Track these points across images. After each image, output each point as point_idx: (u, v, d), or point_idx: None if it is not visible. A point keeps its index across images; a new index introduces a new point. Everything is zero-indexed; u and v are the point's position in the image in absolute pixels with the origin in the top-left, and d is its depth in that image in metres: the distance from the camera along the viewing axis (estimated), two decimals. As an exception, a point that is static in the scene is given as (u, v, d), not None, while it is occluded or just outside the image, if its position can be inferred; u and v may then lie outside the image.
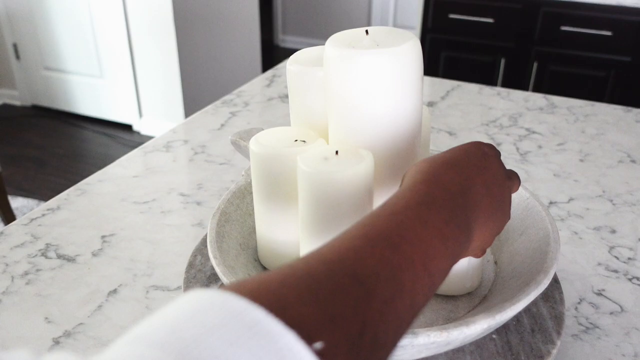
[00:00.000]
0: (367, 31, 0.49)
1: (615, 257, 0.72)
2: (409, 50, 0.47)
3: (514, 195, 0.64)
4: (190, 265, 0.63)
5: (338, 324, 0.25)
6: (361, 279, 0.28)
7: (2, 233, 0.75)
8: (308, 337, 0.23)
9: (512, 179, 0.46)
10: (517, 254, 0.58)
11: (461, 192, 0.37)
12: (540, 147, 1.01)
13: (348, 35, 0.49)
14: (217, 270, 0.51)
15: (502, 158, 0.95)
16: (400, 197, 0.36)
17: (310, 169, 0.48)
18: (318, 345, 0.23)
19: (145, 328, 0.22)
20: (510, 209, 0.44)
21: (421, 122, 0.52)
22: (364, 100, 0.48)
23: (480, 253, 0.44)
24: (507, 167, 0.93)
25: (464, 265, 0.55)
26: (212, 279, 0.61)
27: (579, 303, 0.64)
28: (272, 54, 4.18)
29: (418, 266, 0.31)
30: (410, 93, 0.49)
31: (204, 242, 0.66)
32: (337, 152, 0.49)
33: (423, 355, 0.44)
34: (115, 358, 0.21)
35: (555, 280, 0.61)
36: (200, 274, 0.62)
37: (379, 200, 0.52)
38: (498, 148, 1.00)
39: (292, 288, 0.25)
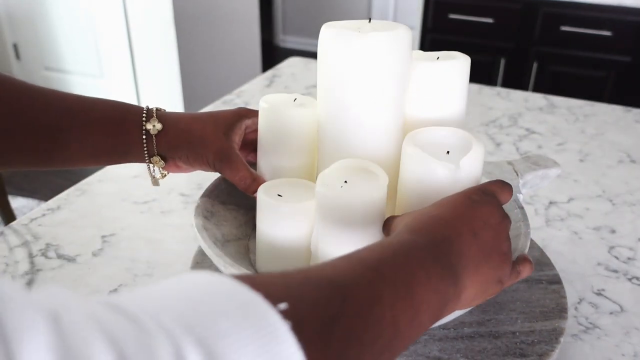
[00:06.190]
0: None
1: (615, 257, 0.72)
2: (400, 35, 0.51)
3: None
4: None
5: (307, 303, 0.28)
6: (337, 284, 0.30)
7: (2, 233, 0.75)
8: (273, 299, 0.26)
9: (508, 218, 0.44)
10: None
11: (445, 241, 0.38)
12: (540, 147, 1.01)
13: (343, 23, 0.53)
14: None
15: (501, 159, 0.96)
16: (384, 242, 0.37)
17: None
18: (282, 306, 0.26)
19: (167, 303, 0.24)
20: (509, 249, 0.42)
21: (405, 100, 0.55)
22: (355, 77, 0.51)
23: (478, 301, 0.41)
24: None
25: None
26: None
27: (578, 303, 0.64)
28: (272, 54, 4.18)
29: (400, 287, 0.32)
30: (400, 74, 0.52)
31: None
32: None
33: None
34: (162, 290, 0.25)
35: (556, 281, 0.61)
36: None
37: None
38: (498, 148, 1.00)
39: (275, 284, 0.28)
